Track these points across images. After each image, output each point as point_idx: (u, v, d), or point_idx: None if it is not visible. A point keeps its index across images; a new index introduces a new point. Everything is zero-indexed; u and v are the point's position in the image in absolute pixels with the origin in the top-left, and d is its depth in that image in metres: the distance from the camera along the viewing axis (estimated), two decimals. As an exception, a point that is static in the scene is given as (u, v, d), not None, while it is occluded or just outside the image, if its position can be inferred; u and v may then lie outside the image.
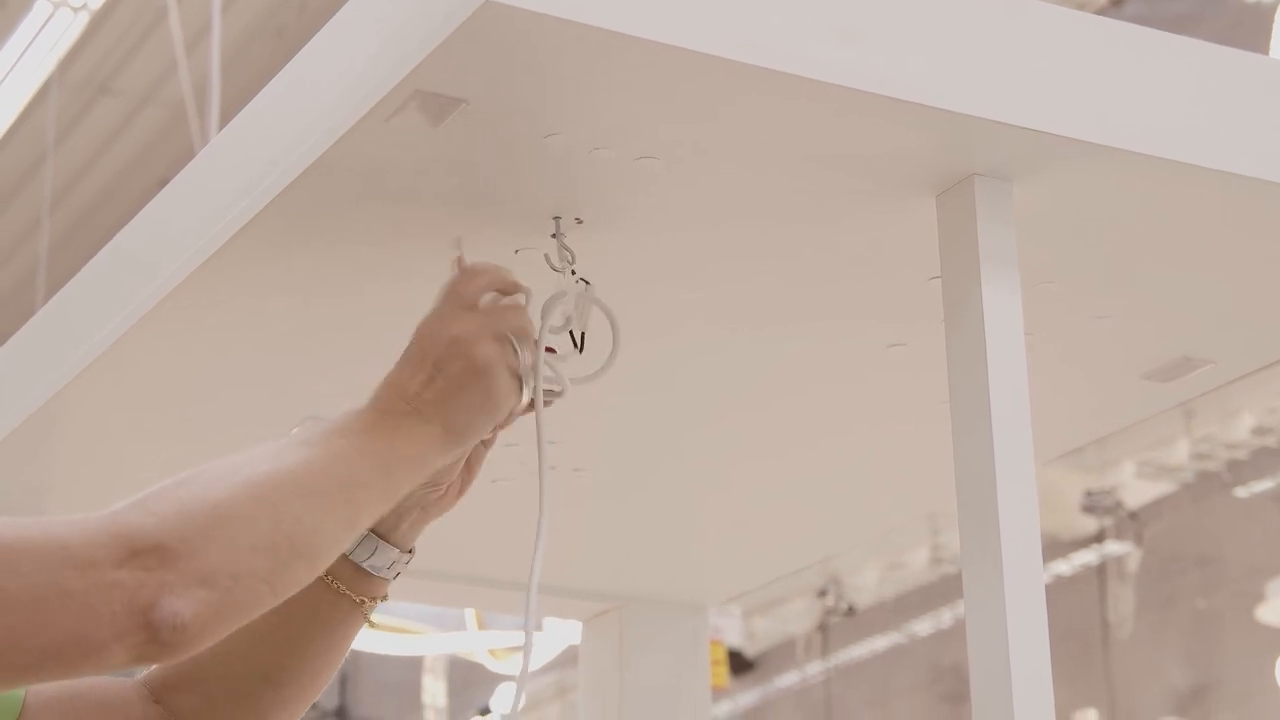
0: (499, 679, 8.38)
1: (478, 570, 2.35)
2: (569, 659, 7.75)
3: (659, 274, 1.64)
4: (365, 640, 6.90)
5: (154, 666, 1.51)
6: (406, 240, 1.57)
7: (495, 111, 1.39)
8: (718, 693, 8.41)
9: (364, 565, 1.48)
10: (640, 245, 1.59)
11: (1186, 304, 1.73)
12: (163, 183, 1.88)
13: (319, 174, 1.47)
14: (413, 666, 10.05)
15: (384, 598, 1.51)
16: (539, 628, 1.50)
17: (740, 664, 9.11)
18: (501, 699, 8.83)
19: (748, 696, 9.42)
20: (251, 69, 7.12)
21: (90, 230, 8.36)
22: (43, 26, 7.07)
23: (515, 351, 1.43)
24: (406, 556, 1.50)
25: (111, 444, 1.97)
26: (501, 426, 1.47)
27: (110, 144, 8.14)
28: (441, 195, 1.51)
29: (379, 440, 1.36)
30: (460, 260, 1.47)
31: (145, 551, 1.18)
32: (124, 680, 1.52)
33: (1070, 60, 1.50)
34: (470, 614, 6.61)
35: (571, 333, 1.53)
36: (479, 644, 6.81)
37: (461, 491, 1.52)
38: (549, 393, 1.48)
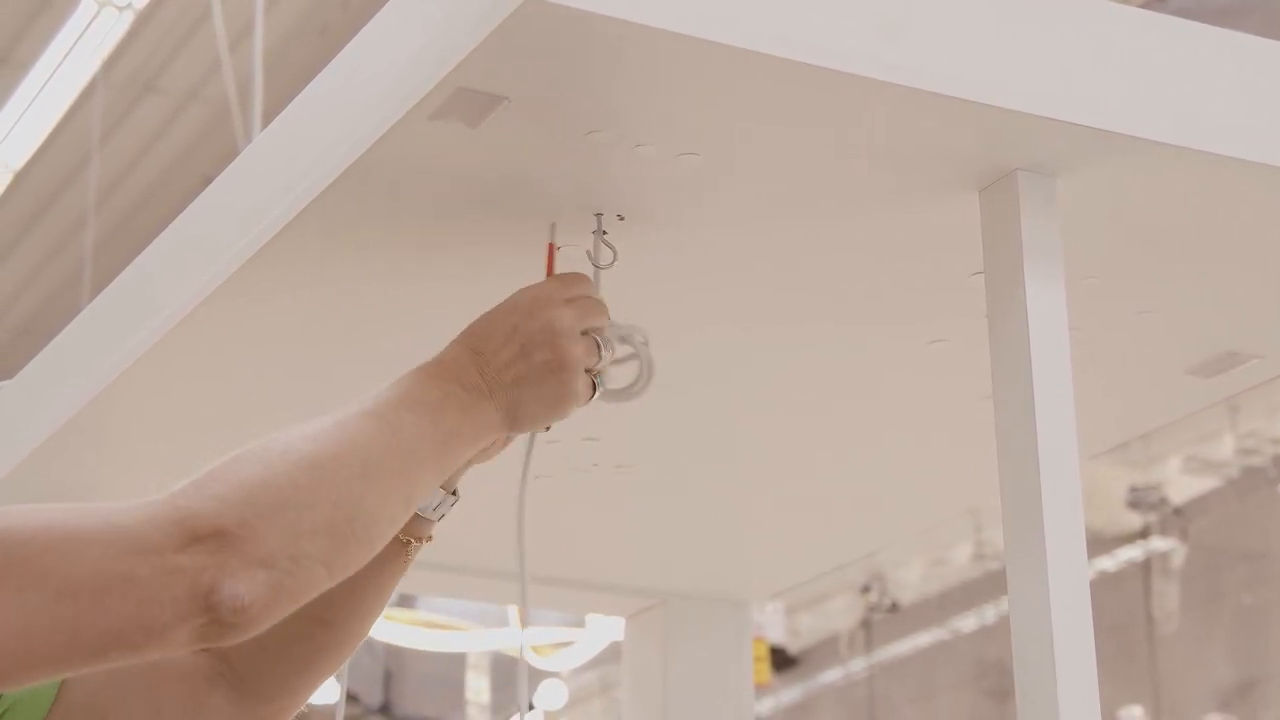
0: (542, 675, 8.39)
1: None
2: (612, 655, 7.76)
3: (700, 270, 1.64)
4: (409, 637, 6.92)
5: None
6: (448, 238, 1.57)
7: (537, 109, 1.39)
8: (760, 689, 8.41)
9: (419, 512, 1.50)
10: (682, 242, 1.59)
11: (1232, 298, 1.72)
12: (206, 181, 1.88)
13: (361, 172, 1.48)
14: (456, 663, 10.08)
15: (429, 538, 1.52)
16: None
17: (783, 660, 9.11)
18: (545, 696, 8.84)
19: (790, 693, 9.42)
20: (294, 67, 7.14)
21: (135, 228, 8.40)
22: (88, 26, 7.10)
23: (599, 352, 1.44)
24: (452, 499, 1.52)
25: (156, 440, 1.98)
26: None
27: (154, 142, 8.18)
28: (483, 192, 1.51)
29: (446, 418, 1.37)
30: (552, 247, 1.49)
31: (206, 536, 1.19)
32: None
33: (1113, 54, 1.49)
34: (513, 610, 6.62)
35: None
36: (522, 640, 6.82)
37: (507, 443, 1.52)
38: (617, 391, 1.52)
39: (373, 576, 1.49)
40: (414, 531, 1.51)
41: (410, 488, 1.34)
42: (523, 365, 1.41)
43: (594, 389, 1.46)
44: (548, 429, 1.49)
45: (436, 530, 1.54)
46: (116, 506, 1.20)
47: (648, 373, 1.53)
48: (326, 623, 1.50)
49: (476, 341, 1.42)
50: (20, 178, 8.24)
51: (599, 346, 1.45)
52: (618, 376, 1.52)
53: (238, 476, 1.23)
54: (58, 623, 1.15)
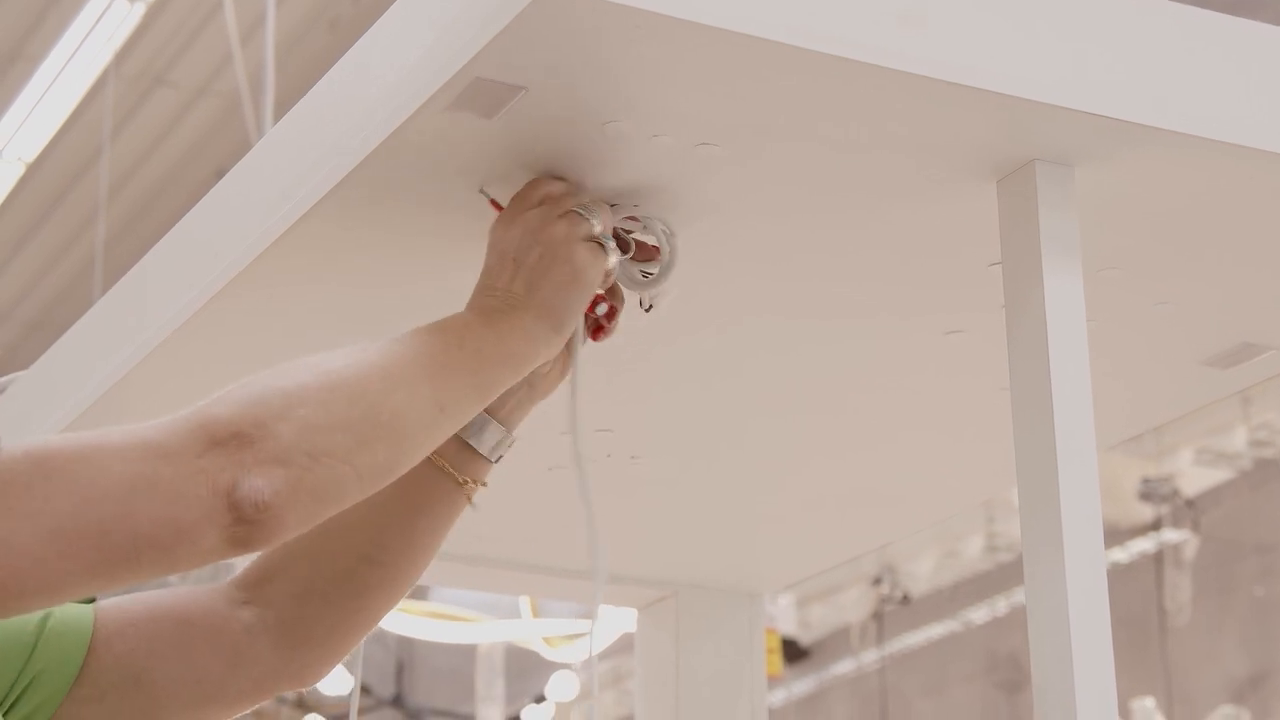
0: (554, 667, 8.40)
1: (533, 557, 2.35)
2: (625, 646, 7.76)
3: (715, 261, 1.64)
4: (420, 628, 6.92)
5: (246, 564, 1.54)
6: (462, 229, 1.57)
7: (554, 99, 1.39)
8: (772, 681, 8.40)
9: (470, 442, 1.52)
10: (699, 232, 1.59)
11: (1248, 290, 1.71)
12: (219, 174, 1.89)
13: (377, 163, 1.47)
14: (468, 654, 10.08)
15: (484, 484, 1.54)
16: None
17: (795, 652, 9.11)
18: (557, 687, 8.84)
19: (802, 685, 9.41)
20: (306, 60, 7.15)
21: (147, 221, 8.41)
22: (99, 18, 7.11)
23: (586, 218, 1.46)
24: (511, 438, 1.54)
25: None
26: (604, 299, 1.51)
27: (166, 135, 8.19)
28: (499, 183, 1.51)
29: (470, 335, 1.40)
30: (494, 202, 1.50)
31: (225, 439, 1.24)
32: (208, 589, 1.54)
33: (1131, 44, 1.49)
34: (525, 602, 6.63)
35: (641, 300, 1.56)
36: (534, 632, 6.82)
37: (563, 373, 1.54)
38: (647, 264, 1.53)
39: (424, 514, 1.51)
40: (472, 471, 1.52)
41: (442, 394, 1.36)
42: (524, 273, 1.44)
43: (604, 250, 1.47)
44: (649, 308, 1.53)
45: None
46: (139, 424, 1.25)
47: (669, 258, 1.54)
48: (376, 562, 1.52)
49: (481, 282, 1.46)
50: (32, 171, 8.25)
51: (581, 216, 1.46)
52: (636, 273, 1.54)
53: (253, 386, 1.28)
54: (87, 527, 1.20)
